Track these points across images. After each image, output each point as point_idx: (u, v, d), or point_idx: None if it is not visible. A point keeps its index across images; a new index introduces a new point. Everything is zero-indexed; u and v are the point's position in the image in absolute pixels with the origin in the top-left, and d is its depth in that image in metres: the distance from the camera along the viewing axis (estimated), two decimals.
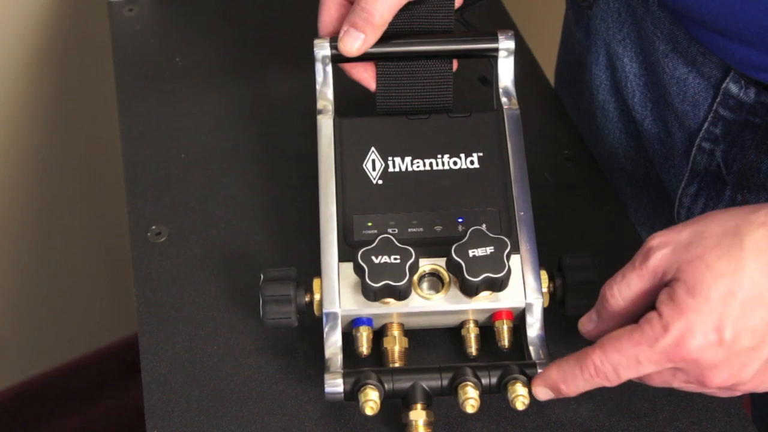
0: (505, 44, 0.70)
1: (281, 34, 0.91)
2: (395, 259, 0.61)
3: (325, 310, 0.63)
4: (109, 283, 1.41)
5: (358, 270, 0.61)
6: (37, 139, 1.18)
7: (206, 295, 0.70)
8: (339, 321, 0.63)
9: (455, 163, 0.67)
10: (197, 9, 0.94)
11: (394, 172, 0.67)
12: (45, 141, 1.19)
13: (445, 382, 0.61)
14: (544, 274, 0.64)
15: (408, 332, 0.65)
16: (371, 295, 0.61)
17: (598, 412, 0.64)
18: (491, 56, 0.71)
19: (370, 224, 0.65)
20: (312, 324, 0.66)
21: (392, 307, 0.63)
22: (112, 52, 0.90)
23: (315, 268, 0.64)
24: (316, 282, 0.64)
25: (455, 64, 0.71)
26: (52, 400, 1.47)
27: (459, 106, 0.71)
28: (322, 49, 0.70)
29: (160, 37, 0.91)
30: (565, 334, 0.67)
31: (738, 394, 0.56)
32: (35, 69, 1.12)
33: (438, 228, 0.65)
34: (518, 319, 0.65)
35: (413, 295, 0.63)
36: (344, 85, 0.71)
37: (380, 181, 0.67)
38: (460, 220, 0.65)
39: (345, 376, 0.60)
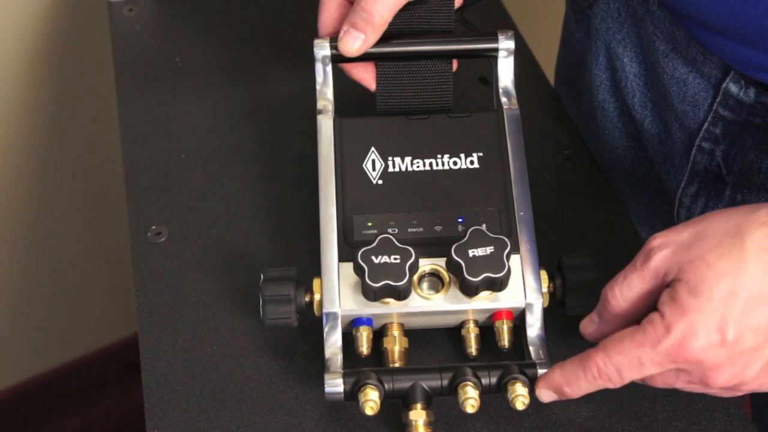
0: (505, 44, 0.70)
1: (281, 34, 0.91)
2: (395, 259, 0.61)
3: (325, 310, 0.63)
4: (109, 283, 1.41)
5: (358, 270, 0.61)
6: (37, 139, 1.18)
7: (206, 295, 0.70)
8: (339, 321, 0.63)
9: (455, 163, 0.67)
10: (197, 9, 0.94)
11: (394, 172, 0.67)
12: (45, 141, 1.19)
13: (445, 382, 0.61)
14: (544, 274, 0.64)
15: (408, 332, 0.65)
16: (371, 295, 0.61)
17: (598, 412, 0.64)
18: (491, 56, 0.71)
19: (370, 224, 0.65)
20: (312, 324, 0.66)
21: (392, 307, 0.63)
22: (112, 52, 0.90)
23: (315, 268, 0.64)
24: (316, 282, 0.64)
25: (455, 64, 0.71)
26: (52, 400, 1.47)
27: (459, 106, 0.71)
28: (322, 49, 0.70)
29: (160, 37, 0.91)
30: (565, 334, 0.67)
31: (741, 394, 0.56)
32: (35, 69, 1.12)
33: (438, 228, 0.65)
34: (518, 319, 0.65)
35: (413, 295, 0.63)
36: (344, 85, 0.71)
37: (380, 181, 0.67)
38: (460, 220, 0.65)
39: (345, 376, 0.60)
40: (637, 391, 0.64)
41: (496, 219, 0.65)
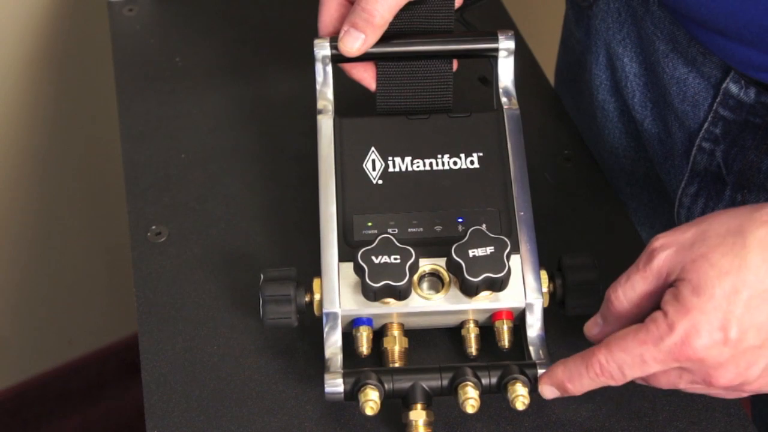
0: (505, 44, 0.70)
1: (281, 34, 0.91)
2: (395, 259, 0.61)
3: (325, 310, 0.63)
4: (109, 283, 1.41)
5: (358, 270, 0.61)
6: (37, 139, 1.18)
7: (206, 295, 0.70)
8: (339, 321, 0.63)
9: (455, 163, 0.67)
10: (197, 9, 0.94)
11: (394, 172, 0.67)
12: (45, 141, 1.19)
13: (445, 382, 0.61)
14: (544, 274, 0.64)
15: (408, 332, 0.65)
16: (371, 295, 0.61)
17: (598, 412, 0.64)
18: (491, 56, 0.71)
19: (370, 224, 0.65)
20: (312, 324, 0.66)
21: (392, 307, 0.63)
22: (112, 52, 0.90)
23: (315, 268, 0.64)
24: (316, 282, 0.64)
25: (455, 64, 0.71)
26: (52, 400, 1.47)
27: (459, 106, 0.71)
28: (322, 49, 0.70)
29: (160, 37, 0.91)
30: (565, 334, 0.67)
31: (744, 395, 0.55)
32: (35, 69, 1.12)
33: (438, 228, 0.65)
34: (518, 319, 0.65)
35: (413, 295, 0.63)
36: (344, 85, 0.71)
37: (380, 181, 0.67)
38: (460, 220, 0.65)
39: (345, 376, 0.60)
40: (637, 391, 0.64)
41: (496, 219, 0.65)
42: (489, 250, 0.61)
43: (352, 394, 0.60)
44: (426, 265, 0.64)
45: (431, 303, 0.63)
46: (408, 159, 0.67)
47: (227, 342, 0.68)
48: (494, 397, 0.63)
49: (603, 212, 0.76)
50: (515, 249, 0.64)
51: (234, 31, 0.92)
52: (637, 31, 0.76)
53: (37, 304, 1.37)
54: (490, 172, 0.67)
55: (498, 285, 0.61)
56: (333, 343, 0.63)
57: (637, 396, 0.64)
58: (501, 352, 0.64)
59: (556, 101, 0.85)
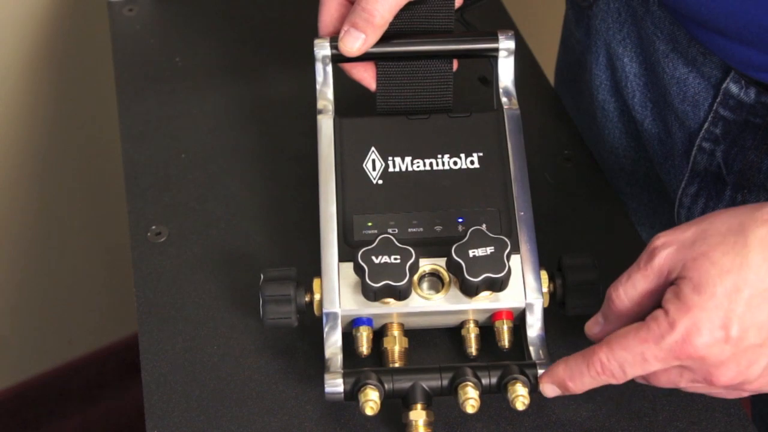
0: (505, 44, 0.70)
1: (281, 34, 0.91)
2: (395, 259, 0.61)
3: (325, 310, 0.63)
4: (109, 283, 1.41)
5: (358, 270, 0.61)
6: (37, 139, 1.18)
7: (206, 295, 0.70)
8: (339, 321, 0.63)
9: (455, 163, 0.67)
10: (197, 9, 0.94)
11: (394, 172, 0.67)
12: (45, 141, 1.19)
13: (445, 382, 0.61)
14: (544, 274, 0.64)
15: (408, 332, 0.65)
16: (371, 295, 0.61)
17: (598, 412, 0.64)
18: (491, 56, 0.71)
19: (370, 224, 0.65)
20: (312, 324, 0.66)
21: (392, 307, 0.63)
22: (112, 52, 0.90)
23: (315, 268, 0.64)
24: (316, 282, 0.64)
25: (455, 64, 0.71)
26: (52, 400, 1.47)
27: (459, 106, 0.71)
28: (323, 49, 0.70)
29: (160, 37, 0.91)
30: (565, 334, 0.67)
31: (745, 394, 0.55)
32: (35, 69, 1.12)
33: (438, 228, 0.65)
34: (518, 319, 0.65)
35: (413, 295, 0.63)
36: (344, 85, 0.71)
37: (380, 181, 0.67)
38: (460, 220, 0.65)
39: (345, 376, 0.60)
40: (637, 391, 0.64)
41: (496, 219, 0.65)
42: (489, 250, 0.61)
43: (352, 394, 0.60)
44: (426, 265, 0.64)
45: (431, 303, 0.63)
46: (408, 159, 0.67)
47: (227, 342, 0.68)
48: (494, 397, 0.63)
49: (603, 212, 0.76)
50: (515, 249, 0.64)
51: (234, 31, 0.92)
52: (637, 31, 0.76)
53: (37, 304, 1.37)
54: (490, 172, 0.67)
55: (498, 285, 0.61)
56: (333, 343, 0.63)
57: (637, 396, 0.64)
58: (501, 352, 0.64)
59: (556, 101, 0.85)
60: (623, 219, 0.76)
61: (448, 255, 0.61)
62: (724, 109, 0.70)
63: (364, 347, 0.63)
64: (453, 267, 0.61)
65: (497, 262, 0.61)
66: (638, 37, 0.76)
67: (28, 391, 1.44)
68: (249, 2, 0.95)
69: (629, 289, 0.55)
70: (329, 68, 0.70)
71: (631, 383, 0.57)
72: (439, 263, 0.64)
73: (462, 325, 0.65)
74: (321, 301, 0.63)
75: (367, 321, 0.64)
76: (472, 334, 0.64)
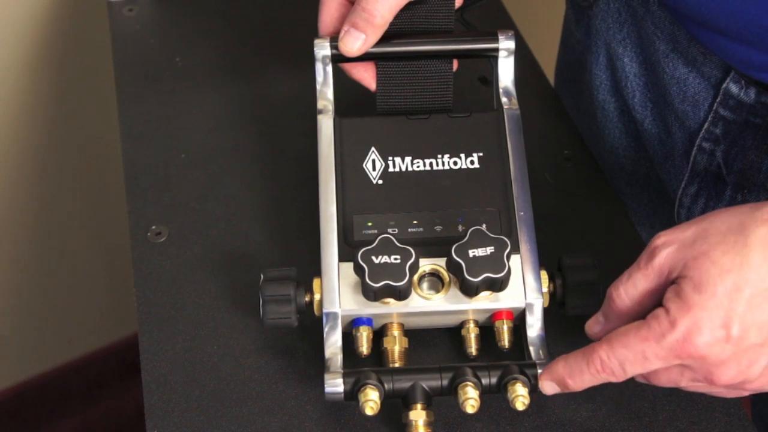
0: (505, 44, 0.70)
1: (281, 34, 0.91)
2: (395, 259, 0.61)
3: (325, 310, 0.63)
4: (109, 283, 1.41)
5: (358, 270, 0.61)
6: (37, 139, 1.18)
7: (206, 295, 0.70)
8: (339, 321, 0.63)
9: (455, 163, 0.67)
10: (197, 9, 0.94)
11: (394, 172, 0.67)
12: (45, 141, 1.19)
13: (445, 382, 0.61)
14: (544, 274, 0.64)
15: (408, 332, 0.65)
16: (371, 295, 0.61)
17: (598, 412, 0.64)
18: (491, 56, 0.71)
19: (370, 224, 0.65)
20: (312, 324, 0.66)
21: (392, 307, 0.63)
22: (112, 52, 0.90)
23: (315, 268, 0.64)
24: (316, 282, 0.64)
25: (455, 64, 0.71)
26: (52, 400, 1.47)
27: (459, 106, 0.71)
28: (323, 49, 0.70)
29: (160, 37, 0.91)
30: (565, 334, 0.67)
31: (745, 393, 0.55)
32: (35, 69, 1.12)
33: (438, 228, 0.65)
34: (518, 319, 0.65)
35: (413, 295, 0.63)
36: (344, 85, 0.71)
37: (380, 181, 0.67)
38: (460, 220, 0.65)
39: (345, 376, 0.60)
40: (637, 391, 0.64)
41: (496, 219, 0.65)
42: (489, 250, 0.61)
43: (352, 394, 0.60)
44: (426, 265, 0.64)
45: (431, 303, 0.63)
46: (408, 159, 0.67)
47: (227, 342, 0.68)
48: (494, 397, 0.63)
49: (603, 212, 0.76)
50: (515, 249, 0.64)
51: (234, 31, 0.92)
52: (637, 31, 0.76)
53: (37, 304, 1.37)
54: (490, 172, 0.67)
55: (498, 285, 0.61)
56: (333, 343, 0.63)
57: (637, 396, 0.64)
58: (501, 352, 0.64)
59: (556, 101, 0.85)
60: (623, 219, 0.76)
61: (448, 255, 0.61)
62: (724, 109, 0.70)
63: (364, 347, 0.63)
64: (453, 267, 0.61)
65: (497, 262, 0.61)
66: (638, 37, 0.76)
67: (28, 391, 1.44)
68: (249, 2, 0.95)
69: (630, 289, 0.55)
70: (329, 68, 0.70)
71: (631, 383, 0.57)
72: (439, 263, 0.64)
73: (462, 325, 0.65)
74: (321, 301, 0.63)
75: (367, 321, 0.64)
76: (472, 334, 0.64)
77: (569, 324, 0.66)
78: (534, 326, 0.64)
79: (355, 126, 0.69)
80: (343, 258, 0.64)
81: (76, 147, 1.23)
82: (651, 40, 0.74)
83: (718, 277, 0.51)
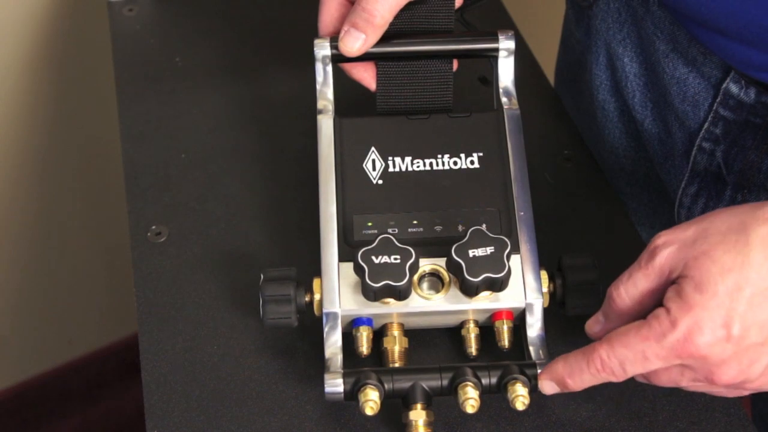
0: (505, 44, 0.70)
1: (281, 34, 0.91)
2: (395, 259, 0.61)
3: (325, 310, 0.63)
4: (109, 283, 1.41)
5: (358, 270, 0.61)
6: (37, 139, 1.18)
7: (206, 295, 0.70)
8: (339, 321, 0.63)
9: (455, 163, 0.67)
10: (197, 9, 0.94)
11: (394, 172, 0.67)
12: (45, 141, 1.19)
13: (445, 382, 0.61)
14: (544, 274, 0.64)
15: (408, 332, 0.65)
16: (371, 295, 0.61)
17: (598, 412, 0.64)
18: (491, 56, 0.71)
19: (370, 224, 0.65)
20: (312, 324, 0.66)
21: (392, 307, 0.63)
22: (112, 52, 0.90)
23: (315, 268, 0.64)
24: (316, 282, 0.64)
25: (455, 64, 0.71)
26: (52, 400, 1.47)
27: (459, 106, 0.71)
28: (323, 49, 0.70)
29: (160, 37, 0.91)
30: (565, 334, 0.67)
31: (746, 393, 0.55)
32: (35, 69, 1.12)
33: (438, 228, 0.65)
34: (518, 319, 0.65)
35: (413, 295, 0.63)
36: (344, 85, 0.71)
37: (380, 181, 0.67)
38: (460, 220, 0.65)
39: (345, 376, 0.60)
40: (637, 391, 0.64)
41: (496, 219, 0.65)
42: (489, 250, 0.61)
43: (352, 394, 0.60)
44: (426, 265, 0.64)
45: (431, 303, 0.63)
46: (408, 159, 0.67)
47: (227, 342, 0.68)
48: (494, 397, 0.63)
49: (603, 212, 0.76)
50: (515, 249, 0.64)
51: (234, 31, 0.92)
52: (637, 31, 0.76)
53: (37, 304, 1.37)
54: (490, 172, 0.67)
55: (498, 285, 0.61)
56: (333, 343, 0.63)
57: (637, 396, 0.64)
58: (501, 352, 0.64)
59: (556, 101, 0.85)
60: (623, 219, 0.76)
61: (448, 255, 0.61)
62: (724, 109, 0.70)
63: (364, 347, 0.63)
64: (453, 267, 0.61)
65: (497, 262, 0.61)
66: (638, 37, 0.76)
67: (28, 391, 1.44)
68: (249, 2, 0.95)
69: (630, 288, 0.55)
70: (329, 68, 0.70)
71: (631, 383, 0.57)
72: (439, 263, 0.64)
73: (462, 325, 0.65)
74: (321, 301, 0.63)
75: (367, 321, 0.64)
76: (472, 334, 0.64)
77: (569, 324, 0.66)
78: (534, 326, 0.64)
79: (355, 126, 0.69)
80: (343, 258, 0.64)
81: (76, 147, 1.23)
82: (651, 40, 0.74)
83: (719, 276, 0.51)
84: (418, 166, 0.67)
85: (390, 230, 0.65)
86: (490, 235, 0.61)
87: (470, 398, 0.59)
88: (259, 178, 0.78)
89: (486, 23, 0.74)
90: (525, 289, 0.63)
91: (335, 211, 0.65)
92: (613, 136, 0.84)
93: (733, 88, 0.68)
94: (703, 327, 0.51)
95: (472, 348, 0.64)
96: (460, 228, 0.65)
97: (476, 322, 0.65)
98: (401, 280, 0.60)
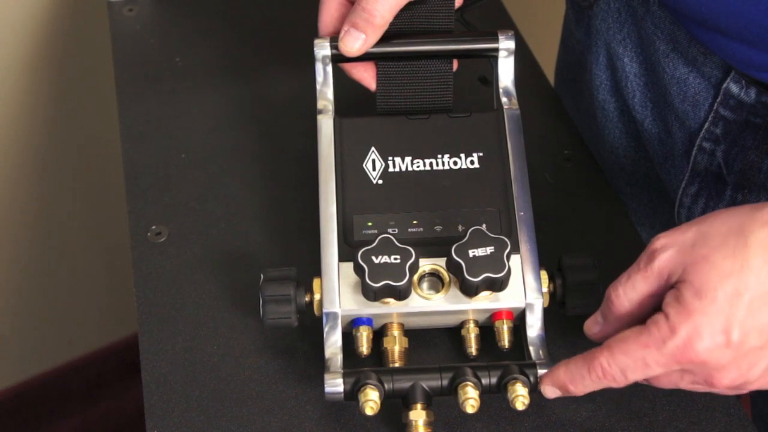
0: (505, 44, 0.70)
1: (281, 34, 0.91)
2: (395, 259, 0.61)
3: (325, 310, 0.63)
4: (109, 283, 1.41)
5: (358, 270, 0.61)
6: (37, 139, 1.18)
7: (206, 295, 0.70)
8: (339, 321, 0.63)
9: (455, 163, 0.67)
10: (197, 9, 0.94)
11: (394, 172, 0.67)
12: (45, 141, 1.19)
13: (445, 382, 0.61)
14: (544, 274, 0.64)
15: (408, 332, 0.65)
16: (371, 295, 0.61)
17: (598, 412, 0.64)
18: (491, 56, 0.71)
19: (370, 224, 0.65)
20: (312, 324, 0.66)
21: (392, 307, 0.63)
22: (112, 52, 0.90)
23: (315, 268, 0.64)
24: (316, 282, 0.64)
25: (455, 64, 0.71)
26: (52, 400, 1.47)
27: (459, 106, 0.71)
28: (323, 49, 0.70)
29: (160, 37, 0.91)
30: (565, 334, 0.67)
31: (745, 392, 0.56)
32: (35, 69, 1.12)
33: (438, 228, 0.65)
34: (518, 319, 0.65)
35: (413, 295, 0.63)
36: (344, 85, 0.71)
37: (380, 181, 0.67)
38: (460, 220, 0.65)
39: (345, 376, 0.60)
40: (637, 391, 0.64)
41: (496, 219, 0.65)
42: (489, 250, 0.61)
43: (352, 394, 0.60)
44: (426, 265, 0.64)
45: (431, 303, 0.63)
46: (408, 159, 0.67)
47: (227, 342, 0.68)
48: (494, 397, 0.63)
49: (603, 212, 0.76)
50: (515, 249, 0.64)
51: (234, 31, 0.92)
52: (637, 31, 0.76)
53: (37, 304, 1.37)
54: (490, 172, 0.67)
55: (498, 285, 0.61)
56: (333, 343, 0.63)
57: (637, 396, 0.64)
58: (501, 352, 0.64)
59: (556, 101, 0.85)
60: (623, 219, 0.76)
61: (448, 255, 0.61)
62: (725, 109, 0.70)
63: (364, 347, 0.63)
64: (453, 267, 0.61)
65: (497, 262, 0.60)
66: (638, 37, 0.76)
67: (28, 391, 1.44)
68: (249, 2, 0.95)
69: (629, 290, 0.55)
70: (329, 68, 0.70)
71: (632, 383, 0.57)
72: (439, 263, 0.64)
73: (462, 325, 0.65)
74: (321, 301, 0.63)
75: (367, 321, 0.64)
76: (472, 334, 0.64)
77: (569, 324, 0.66)
78: (534, 326, 0.64)
79: (355, 126, 0.69)
80: (343, 258, 0.64)
81: (76, 147, 1.23)
82: (651, 40, 0.74)
83: (718, 282, 0.51)
84: (418, 166, 0.67)
85: (390, 230, 0.65)
86: (490, 235, 0.61)
87: (470, 398, 0.59)
88: (259, 178, 0.78)
89: (486, 23, 0.74)
90: (525, 289, 0.63)
91: (335, 211, 0.65)
92: (613, 136, 0.84)
93: (734, 88, 0.68)
94: (702, 333, 0.51)
95: (472, 348, 0.64)
96: (460, 228, 0.65)
97: (476, 322, 0.65)
98: (401, 280, 0.60)
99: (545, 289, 0.64)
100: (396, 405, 0.62)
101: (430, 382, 0.61)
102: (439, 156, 0.68)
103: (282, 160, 0.79)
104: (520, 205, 0.66)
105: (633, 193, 0.87)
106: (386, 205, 0.66)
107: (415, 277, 0.64)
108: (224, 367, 0.66)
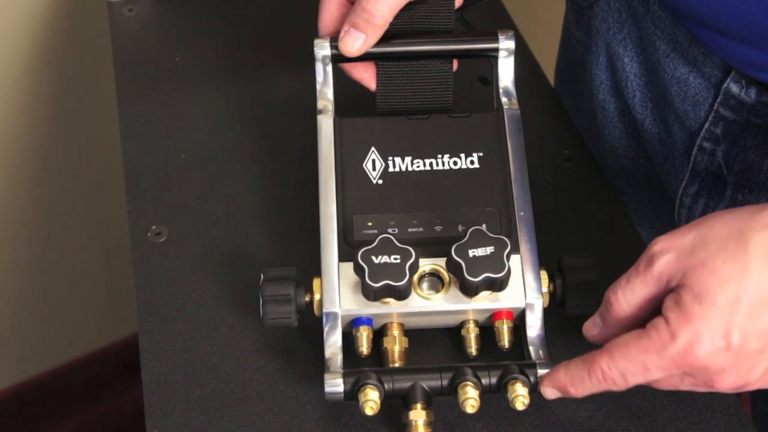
0: (505, 44, 0.70)
1: (281, 34, 0.91)
2: (395, 259, 0.61)
3: (325, 310, 0.63)
4: (109, 283, 1.41)
5: (358, 270, 0.61)
6: (37, 139, 1.18)
7: (206, 295, 0.70)
8: (339, 321, 0.63)
9: (455, 163, 0.67)
10: (197, 9, 0.94)
11: (394, 172, 0.67)
12: (45, 141, 1.19)
13: (445, 382, 0.61)
14: (544, 274, 0.64)
15: (408, 332, 0.65)
16: (371, 295, 0.61)
17: (598, 412, 0.64)
18: (491, 56, 0.71)
19: (370, 224, 0.65)
20: (312, 324, 0.66)
21: (392, 307, 0.63)
22: (112, 52, 0.90)
23: (315, 268, 0.64)
24: (316, 282, 0.64)
25: (455, 64, 0.71)
26: (52, 400, 1.47)
27: (459, 106, 0.71)
28: (323, 49, 0.70)
29: (160, 37, 0.91)
30: (565, 334, 0.67)
31: (744, 392, 0.56)
32: (35, 69, 1.12)
33: (438, 228, 0.65)
34: (518, 319, 0.65)
35: (413, 295, 0.63)
36: (344, 85, 0.71)
37: (380, 181, 0.67)
38: (460, 220, 0.65)
39: (345, 376, 0.60)
40: (637, 391, 0.64)
41: (496, 219, 0.65)
42: (489, 250, 0.61)
43: (352, 394, 0.60)
44: (426, 265, 0.64)
45: (431, 303, 0.63)
46: (408, 159, 0.67)
47: (227, 342, 0.68)
48: (494, 397, 0.63)
49: (603, 212, 0.76)
50: (515, 249, 0.64)
51: (234, 31, 0.92)
52: (637, 31, 0.76)
53: (37, 304, 1.37)
54: (490, 172, 0.67)
55: (498, 285, 0.61)
56: (333, 343, 0.63)
57: (637, 396, 0.64)
58: (501, 352, 0.64)
59: (556, 101, 0.85)
60: (623, 219, 0.76)
61: (448, 255, 0.61)
62: (725, 109, 0.70)
63: (364, 347, 0.63)
64: (453, 267, 0.61)
65: (497, 262, 0.60)
66: (639, 37, 0.76)
67: (28, 391, 1.44)
68: (249, 2, 0.95)
69: (628, 294, 0.55)
70: (329, 68, 0.70)
71: None
72: (439, 263, 0.64)
73: (462, 325, 0.65)
74: (321, 301, 0.63)
75: (367, 321, 0.64)
76: (472, 334, 0.64)
77: (569, 324, 0.66)
78: (534, 326, 0.64)
79: (355, 126, 0.69)
80: (343, 258, 0.64)
81: (76, 147, 1.23)
82: (651, 40, 0.74)
83: (718, 286, 0.51)
84: (418, 166, 0.67)
85: (390, 230, 0.65)
86: (490, 235, 0.61)
87: (470, 398, 0.59)
88: (259, 178, 0.78)
89: (486, 23, 0.74)
90: (525, 289, 0.63)
91: (335, 211, 0.65)
92: (613, 136, 0.84)
93: (734, 88, 0.68)
94: (702, 338, 0.51)
95: (472, 348, 0.64)
96: (460, 228, 0.65)
97: (476, 322, 0.65)
98: (401, 280, 0.60)
99: (545, 289, 0.64)
100: (396, 405, 0.62)
101: (430, 382, 0.61)
102: (439, 156, 0.68)
103: (282, 160, 0.79)
104: (520, 205, 0.66)
105: (633, 193, 0.87)
106: (386, 205, 0.66)
107: (415, 277, 0.64)
108: (224, 367, 0.66)
